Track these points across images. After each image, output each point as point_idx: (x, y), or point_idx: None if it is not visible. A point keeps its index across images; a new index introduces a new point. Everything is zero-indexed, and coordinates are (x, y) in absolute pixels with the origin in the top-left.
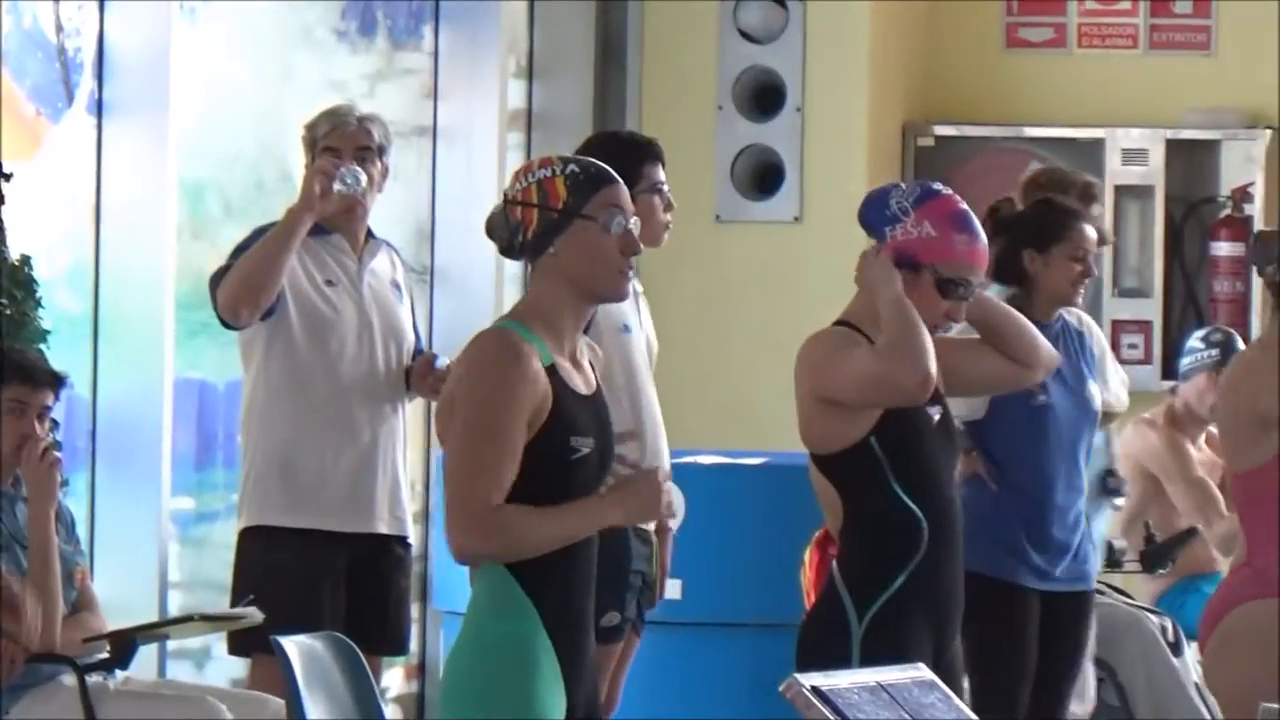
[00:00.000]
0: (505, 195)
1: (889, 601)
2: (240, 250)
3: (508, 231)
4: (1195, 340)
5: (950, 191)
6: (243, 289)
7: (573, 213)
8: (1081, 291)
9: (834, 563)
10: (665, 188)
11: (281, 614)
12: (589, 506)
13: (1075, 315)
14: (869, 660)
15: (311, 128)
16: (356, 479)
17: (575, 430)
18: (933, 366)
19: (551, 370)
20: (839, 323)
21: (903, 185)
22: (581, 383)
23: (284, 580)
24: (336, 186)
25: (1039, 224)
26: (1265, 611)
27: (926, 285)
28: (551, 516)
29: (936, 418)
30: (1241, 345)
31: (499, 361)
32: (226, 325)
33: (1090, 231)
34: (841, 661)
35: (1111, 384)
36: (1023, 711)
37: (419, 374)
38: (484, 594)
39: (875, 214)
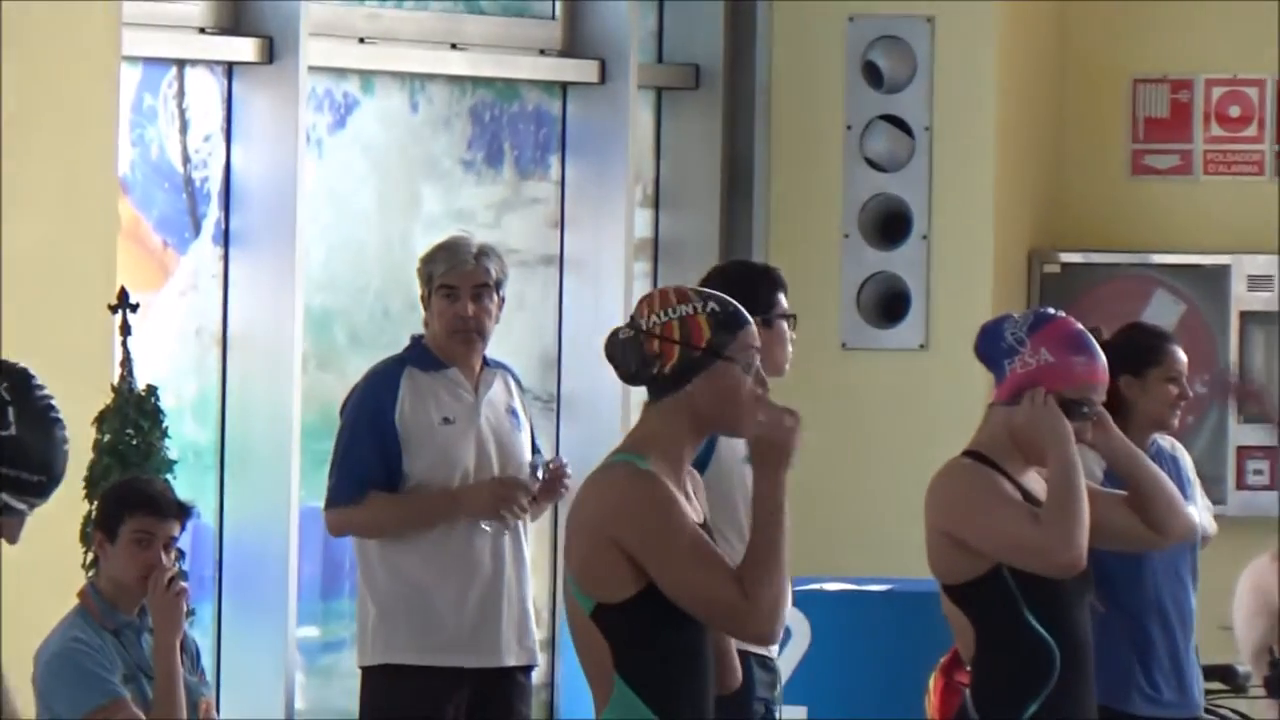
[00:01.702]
0: (638, 325)
1: None
2: (348, 421)
3: (638, 362)
4: None
5: (1064, 314)
6: (361, 532)
7: (716, 353)
8: (1178, 415)
9: (966, 691)
10: (792, 316)
11: None
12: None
13: (1169, 441)
14: None
15: (428, 262)
16: (483, 613)
17: None
18: (1085, 543)
19: None
20: (968, 453)
21: (1015, 315)
22: (693, 513)
23: (409, 715)
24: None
25: (1132, 349)
26: None
27: (1036, 422)
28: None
29: None
30: None
31: (646, 485)
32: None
33: (1181, 354)
34: None
35: (1205, 511)
36: None
37: (557, 478)
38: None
39: (992, 347)
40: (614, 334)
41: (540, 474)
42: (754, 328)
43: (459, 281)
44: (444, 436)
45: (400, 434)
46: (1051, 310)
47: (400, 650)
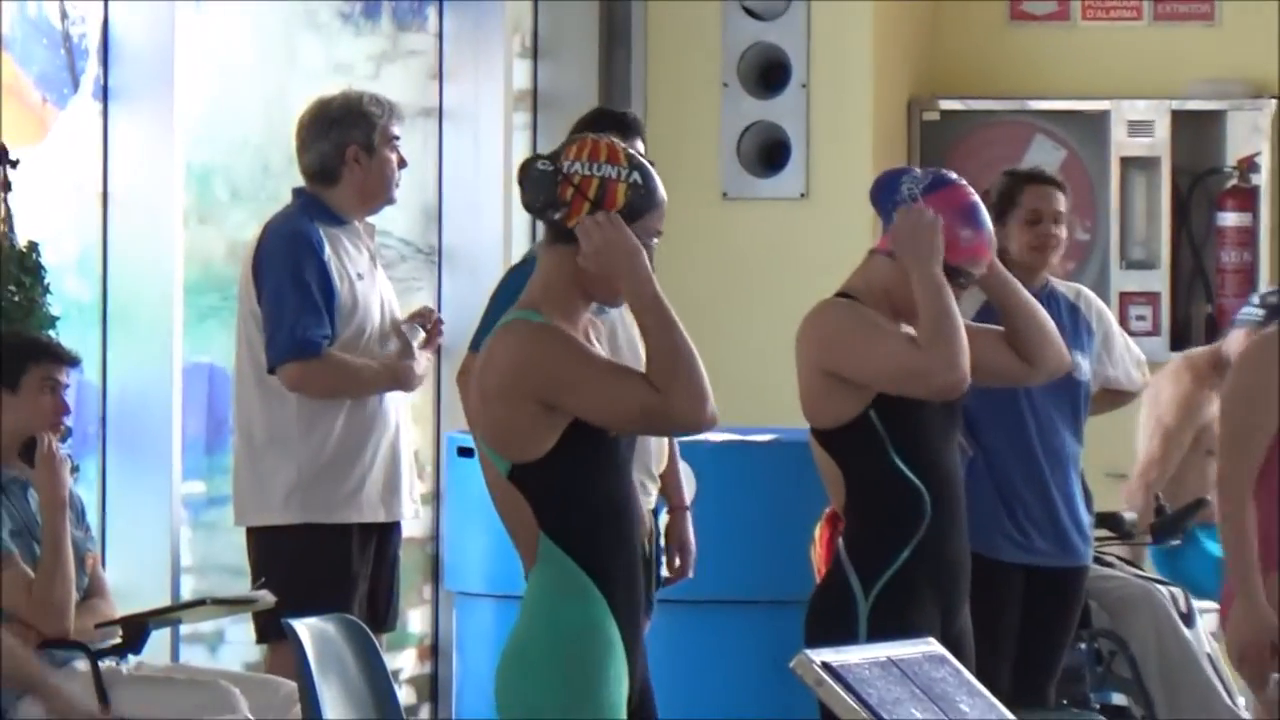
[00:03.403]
0: (559, 165)
1: (894, 576)
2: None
3: (544, 200)
4: (1252, 296)
5: (963, 183)
6: (326, 393)
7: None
8: (1051, 256)
9: (839, 539)
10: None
11: (323, 607)
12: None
13: (1075, 290)
14: (876, 635)
15: (378, 107)
16: (388, 470)
17: None
18: (967, 364)
19: None
20: (840, 294)
21: (917, 172)
22: (598, 349)
23: (326, 575)
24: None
25: (995, 198)
26: (1268, 585)
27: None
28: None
29: None
30: None
31: (544, 333)
32: (270, 371)
33: (1046, 194)
34: (849, 637)
35: (1122, 364)
36: (1003, 685)
37: (435, 327)
38: (549, 582)
39: (886, 197)
40: (531, 161)
41: (420, 326)
42: (664, 209)
43: (401, 133)
44: (360, 291)
45: (334, 288)
46: (952, 176)
47: (320, 510)
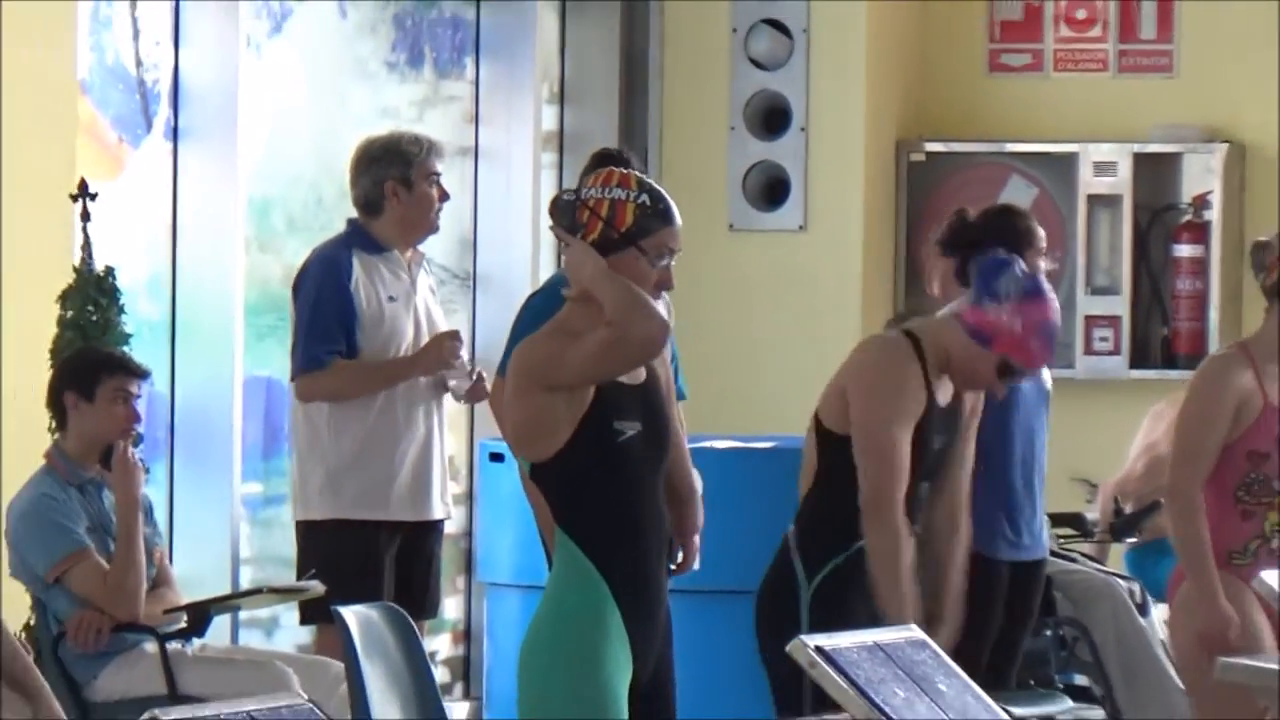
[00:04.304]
0: (579, 192)
1: (835, 570)
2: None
3: (568, 224)
4: None
5: (1051, 299)
6: (328, 397)
7: (630, 241)
8: None
9: (791, 526)
10: None
11: (349, 593)
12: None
13: None
14: (817, 620)
15: (417, 146)
16: (416, 472)
17: (620, 415)
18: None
19: None
20: (907, 330)
21: (1020, 273)
22: (627, 375)
23: (353, 566)
24: (452, 383)
25: (1011, 231)
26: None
27: (986, 360)
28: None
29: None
30: None
31: (547, 334)
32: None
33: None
34: (793, 620)
35: None
36: (981, 669)
37: (477, 394)
38: (560, 568)
39: (988, 277)
40: (560, 194)
41: (467, 382)
42: (676, 231)
43: (441, 171)
44: (390, 311)
45: (356, 310)
46: (1045, 290)
47: (348, 507)
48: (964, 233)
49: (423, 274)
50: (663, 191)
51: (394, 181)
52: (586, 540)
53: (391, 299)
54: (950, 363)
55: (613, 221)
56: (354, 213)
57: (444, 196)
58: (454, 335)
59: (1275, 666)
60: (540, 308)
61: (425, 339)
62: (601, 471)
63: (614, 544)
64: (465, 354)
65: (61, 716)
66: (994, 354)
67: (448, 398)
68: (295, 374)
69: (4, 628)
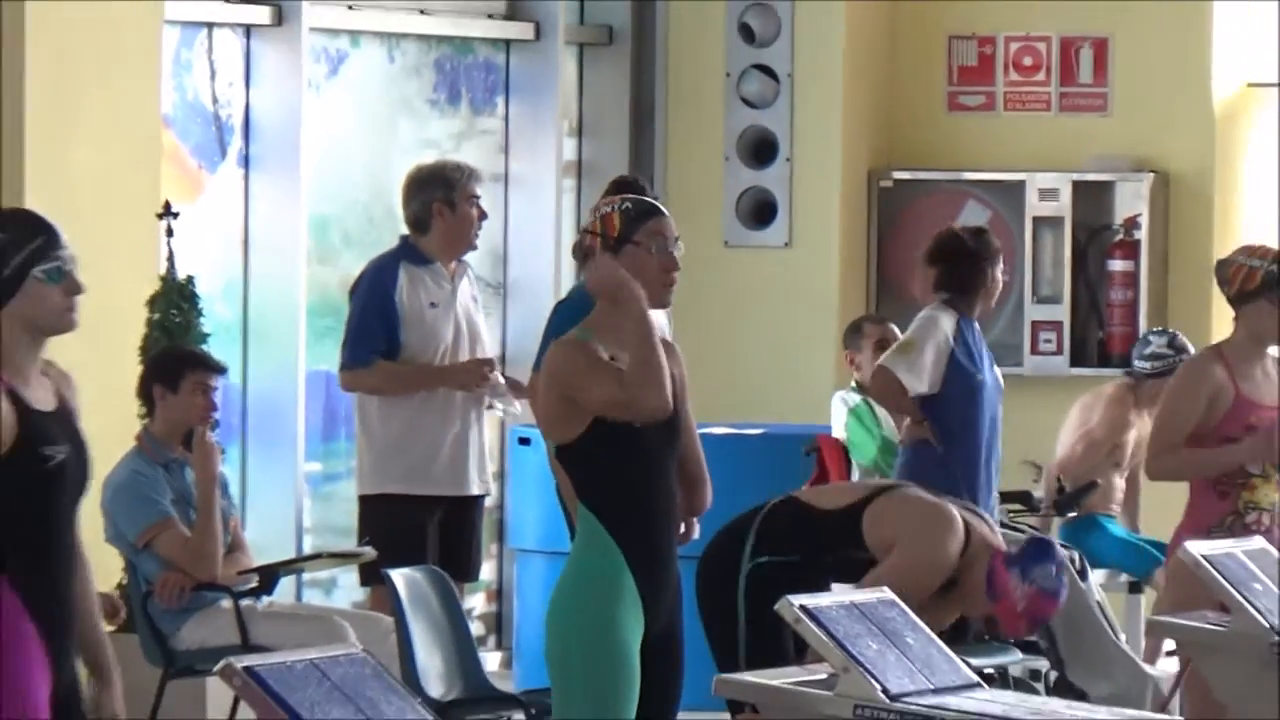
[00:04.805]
0: (583, 225)
1: (772, 566)
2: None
3: (583, 254)
4: (1160, 344)
5: (1060, 601)
6: (367, 391)
7: (625, 239)
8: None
9: (767, 506)
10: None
11: (397, 558)
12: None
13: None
14: (752, 590)
15: (459, 172)
16: (455, 453)
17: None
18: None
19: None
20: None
21: (1055, 565)
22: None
23: (400, 534)
24: (499, 408)
25: (987, 251)
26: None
27: (983, 604)
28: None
29: None
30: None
31: (575, 348)
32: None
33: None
34: (730, 585)
35: None
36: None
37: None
38: (581, 537)
39: (1028, 560)
40: (580, 235)
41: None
42: (664, 220)
43: (479, 193)
44: (431, 317)
45: (400, 314)
46: (1061, 588)
47: (394, 483)
48: (945, 248)
49: (465, 283)
50: (645, 198)
51: (439, 203)
52: (604, 514)
53: (433, 305)
54: (962, 574)
55: (606, 231)
56: (403, 230)
57: (483, 216)
58: (488, 364)
59: (1200, 624)
60: (567, 314)
61: (464, 341)
62: (618, 455)
63: (628, 517)
64: (499, 378)
65: (117, 709)
66: (991, 605)
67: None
68: (341, 367)
69: (97, 613)
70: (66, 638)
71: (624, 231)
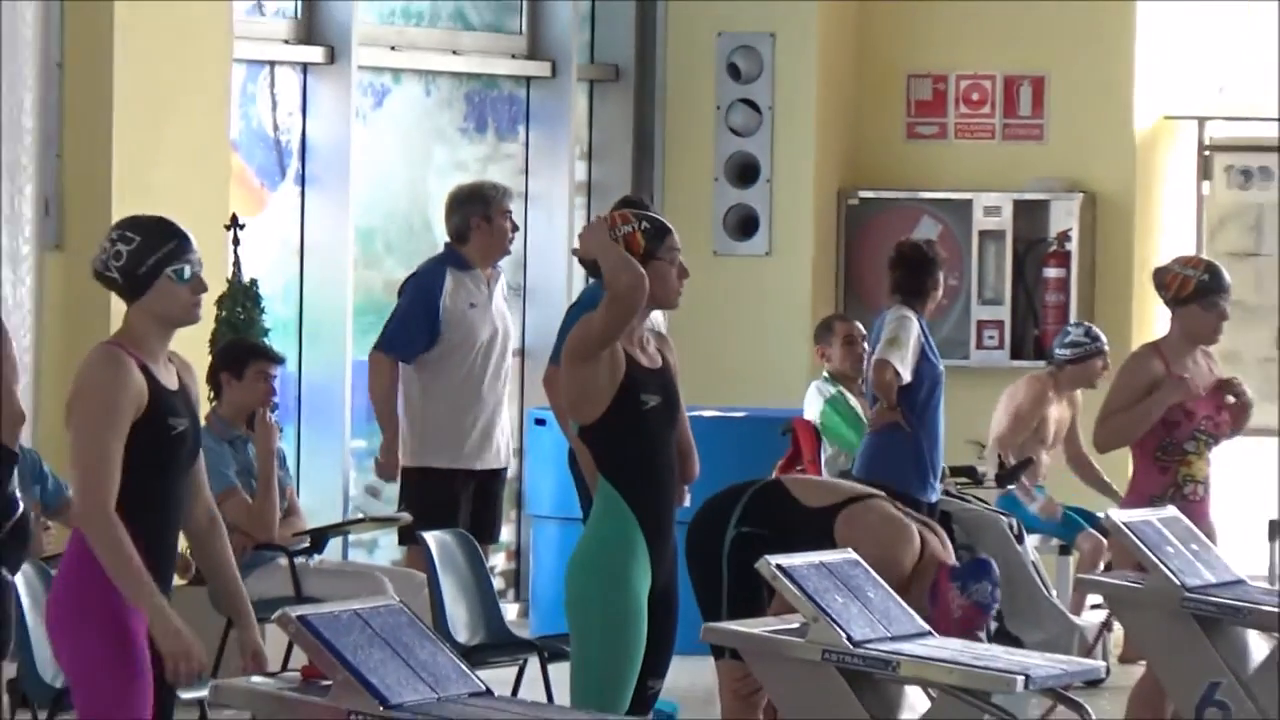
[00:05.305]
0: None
1: (754, 538)
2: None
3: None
4: (1079, 334)
5: (989, 616)
6: (370, 377)
7: (650, 256)
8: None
9: (760, 481)
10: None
11: (431, 522)
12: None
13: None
14: (734, 558)
15: (495, 191)
16: (485, 429)
17: (644, 391)
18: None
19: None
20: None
21: (991, 584)
22: (646, 360)
23: (434, 502)
24: None
25: (937, 260)
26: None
27: (922, 597)
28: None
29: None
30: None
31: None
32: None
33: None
34: (715, 556)
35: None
36: None
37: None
38: (601, 506)
39: (969, 574)
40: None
41: None
42: (674, 236)
43: (512, 208)
44: (471, 316)
45: (443, 313)
46: (991, 608)
47: (431, 456)
48: (903, 257)
49: (499, 287)
50: (654, 214)
51: (478, 217)
52: (621, 484)
53: (473, 305)
54: (911, 582)
55: (631, 250)
56: (437, 239)
57: (515, 228)
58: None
59: (1120, 582)
60: (577, 314)
61: (498, 337)
62: (632, 433)
63: (641, 487)
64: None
65: (259, 643)
66: (930, 609)
67: (510, 375)
68: (374, 348)
69: (235, 569)
70: (168, 577)
71: (649, 248)
